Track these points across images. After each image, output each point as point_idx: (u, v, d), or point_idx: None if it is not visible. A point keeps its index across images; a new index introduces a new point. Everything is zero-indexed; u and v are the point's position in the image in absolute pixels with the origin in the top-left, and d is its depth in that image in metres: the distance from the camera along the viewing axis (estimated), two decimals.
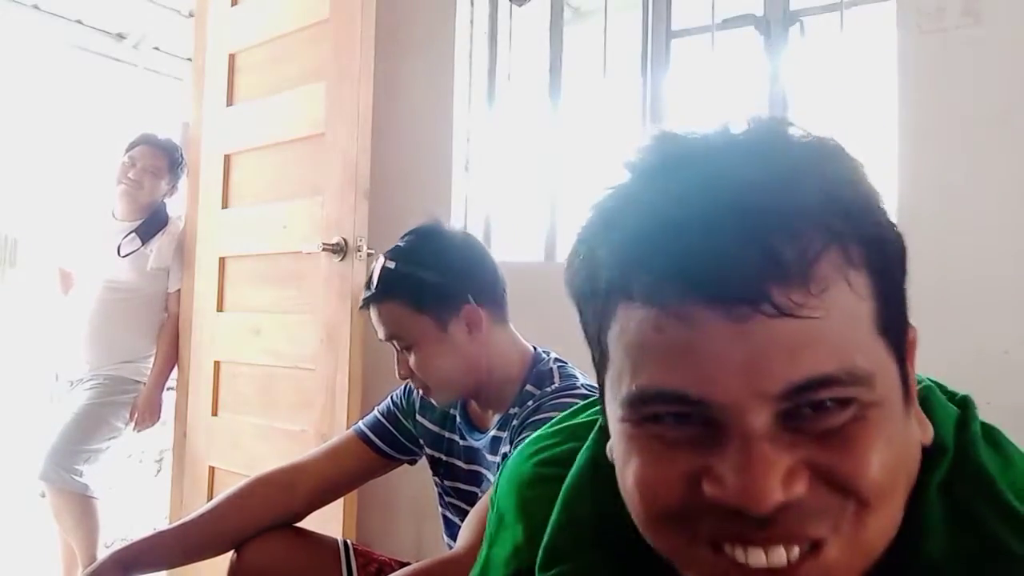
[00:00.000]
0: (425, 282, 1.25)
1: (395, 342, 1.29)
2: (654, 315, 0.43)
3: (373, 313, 1.29)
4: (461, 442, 1.36)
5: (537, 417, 1.18)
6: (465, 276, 1.28)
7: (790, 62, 2.01)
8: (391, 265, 1.26)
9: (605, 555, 0.53)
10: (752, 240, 0.41)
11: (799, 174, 0.43)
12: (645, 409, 0.44)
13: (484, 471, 1.30)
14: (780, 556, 0.42)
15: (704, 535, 0.44)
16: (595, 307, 0.48)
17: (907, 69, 1.74)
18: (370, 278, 1.29)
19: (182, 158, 2.67)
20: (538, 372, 1.29)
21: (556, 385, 1.24)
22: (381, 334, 1.29)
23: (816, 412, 0.42)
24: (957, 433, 0.49)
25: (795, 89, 2.01)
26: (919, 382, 0.51)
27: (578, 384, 1.24)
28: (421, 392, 1.35)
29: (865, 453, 0.42)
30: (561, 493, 0.57)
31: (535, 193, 2.35)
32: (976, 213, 1.65)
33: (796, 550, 0.42)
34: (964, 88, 1.68)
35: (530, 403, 1.22)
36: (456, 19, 2.36)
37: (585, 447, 0.58)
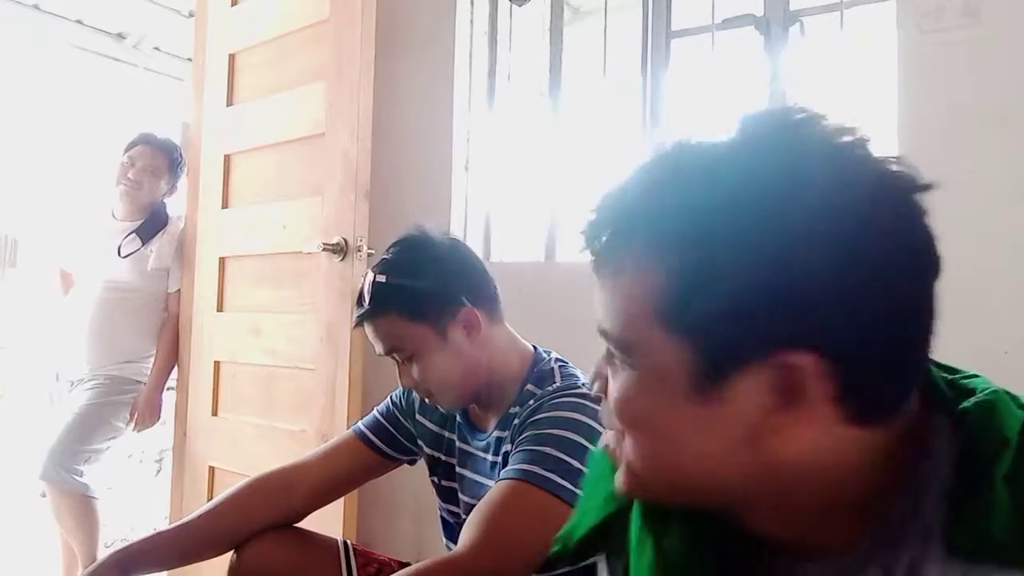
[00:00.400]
0: (419, 291, 1.24)
1: (395, 355, 1.28)
2: None
3: (369, 329, 1.28)
4: (460, 444, 1.35)
5: (539, 416, 1.18)
6: (457, 279, 1.28)
7: (790, 62, 2.01)
8: (382, 279, 1.24)
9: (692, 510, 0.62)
10: (592, 229, 0.57)
11: (654, 186, 0.54)
12: None
13: (482, 473, 1.30)
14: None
15: None
16: None
17: (907, 69, 1.74)
18: (360, 295, 1.27)
19: (181, 157, 2.67)
20: (539, 372, 1.29)
21: (557, 384, 1.24)
22: (380, 349, 1.28)
23: (610, 356, 0.58)
24: (1021, 430, 0.53)
25: (795, 89, 2.01)
26: (982, 390, 0.56)
27: (579, 383, 1.24)
28: (427, 400, 1.34)
29: (616, 391, 0.57)
30: None
31: (535, 193, 2.35)
32: (976, 213, 1.65)
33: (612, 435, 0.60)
34: (964, 88, 1.68)
35: (531, 402, 1.21)
36: (456, 19, 2.36)
37: None
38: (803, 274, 0.48)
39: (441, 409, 1.36)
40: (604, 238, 0.56)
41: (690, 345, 0.51)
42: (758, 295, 0.49)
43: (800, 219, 0.49)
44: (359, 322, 1.29)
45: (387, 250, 1.31)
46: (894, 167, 0.53)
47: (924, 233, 0.54)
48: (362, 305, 1.27)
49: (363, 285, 1.28)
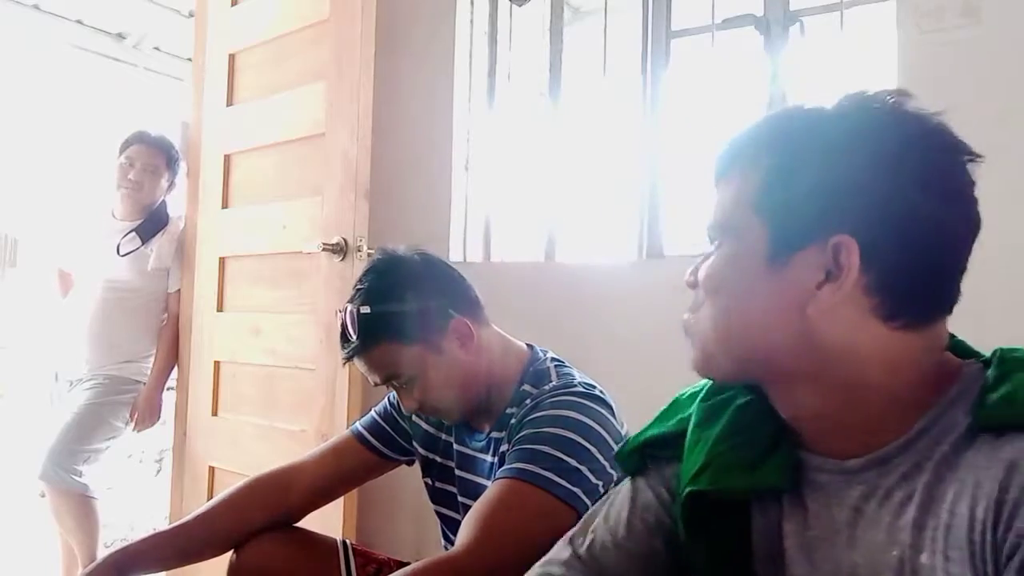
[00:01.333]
0: (406, 313, 1.23)
1: (394, 381, 1.27)
2: None
3: (361, 363, 1.26)
4: (458, 446, 1.35)
5: (535, 415, 1.18)
6: (440, 293, 1.27)
7: (790, 62, 2.01)
8: (366, 310, 1.22)
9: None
10: (721, 154, 0.75)
11: (770, 119, 0.74)
12: None
13: (481, 474, 1.30)
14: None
15: None
16: None
17: (907, 69, 1.74)
18: (344, 331, 1.24)
19: (178, 153, 2.67)
20: (535, 371, 1.28)
21: (553, 383, 1.23)
22: (376, 379, 1.27)
23: (711, 242, 0.76)
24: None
25: (795, 89, 2.01)
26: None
27: (575, 382, 1.24)
28: (435, 418, 1.34)
29: (709, 263, 0.74)
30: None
31: (535, 193, 2.35)
32: None
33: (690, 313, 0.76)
34: (964, 88, 1.68)
35: (527, 402, 1.21)
36: (456, 19, 2.36)
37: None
38: (850, 182, 0.65)
39: (446, 423, 1.35)
40: (725, 158, 0.73)
41: (768, 225, 0.68)
42: (818, 193, 0.66)
43: (856, 142, 0.66)
44: (349, 358, 1.26)
45: (360, 280, 1.27)
46: (948, 131, 0.72)
47: (963, 182, 0.69)
48: (349, 341, 1.24)
49: (344, 320, 1.24)
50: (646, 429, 0.84)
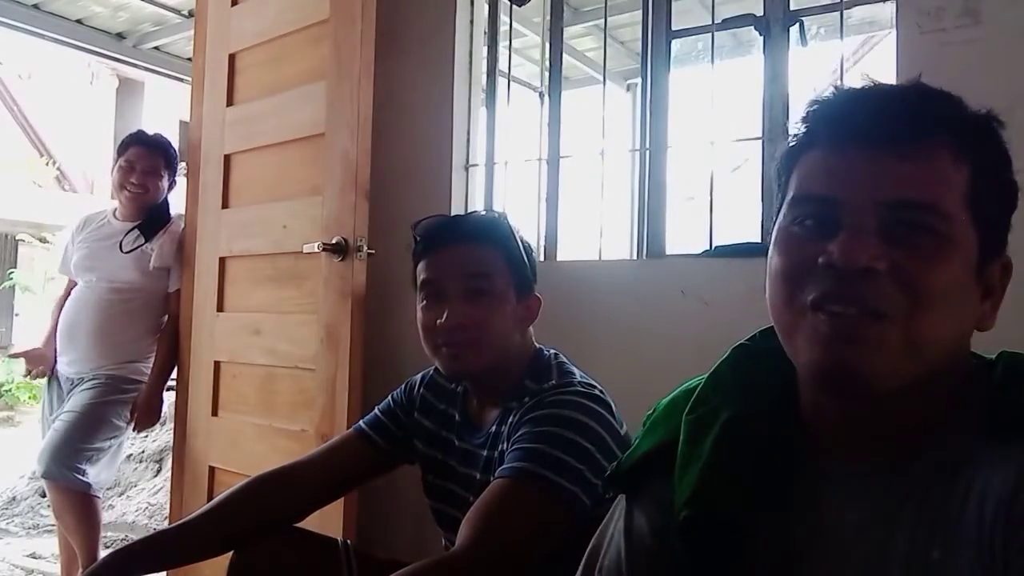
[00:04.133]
0: (521, 247, 1.30)
1: (471, 282, 1.25)
2: (825, 153, 0.67)
3: (463, 250, 1.27)
4: (459, 443, 1.35)
5: (534, 414, 1.18)
6: (536, 269, 1.34)
7: (790, 62, 2.01)
8: (498, 213, 1.30)
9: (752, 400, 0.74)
10: (894, 118, 0.64)
11: (941, 94, 0.68)
12: (797, 210, 0.67)
13: (481, 470, 1.30)
14: (852, 309, 0.62)
15: (809, 299, 0.64)
16: (791, 157, 0.70)
17: (907, 69, 1.74)
18: (458, 217, 1.33)
19: (175, 151, 2.67)
20: (537, 367, 1.29)
21: (554, 381, 1.24)
22: (465, 269, 1.26)
23: (906, 230, 0.63)
24: None
25: (795, 89, 2.01)
26: None
27: (575, 380, 1.24)
28: (452, 352, 1.26)
29: (928, 265, 0.62)
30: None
31: (535, 193, 2.35)
32: None
33: (865, 312, 0.62)
34: (964, 88, 1.67)
35: (527, 399, 1.22)
36: (456, 19, 2.36)
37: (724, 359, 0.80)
38: (1017, 194, 0.68)
39: (453, 368, 1.28)
40: (920, 120, 0.65)
41: (977, 230, 0.64)
42: (1006, 203, 0.67)
43: (1010, 158, 0.68)
44: (455, 238, 1.28)
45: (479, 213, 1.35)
46: None
47: None
48: (466, 222, 1.30)
49: (467, 213, 1.33)
50: (636, 447, 0.81)
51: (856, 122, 0.65)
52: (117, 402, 2.49)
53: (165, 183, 2.63)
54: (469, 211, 1.35)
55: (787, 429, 0.72)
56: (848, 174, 0.64)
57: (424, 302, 1.28)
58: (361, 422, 1.46)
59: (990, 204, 0.65)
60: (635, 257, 2.14)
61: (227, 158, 2.44)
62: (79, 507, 2.40)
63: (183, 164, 2.78)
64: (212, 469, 2.40)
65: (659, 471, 0.76)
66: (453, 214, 1.32)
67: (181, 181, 2.69)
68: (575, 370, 1.29)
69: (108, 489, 3.54)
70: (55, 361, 2.60)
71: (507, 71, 2.48)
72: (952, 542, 0.60)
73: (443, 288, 1.26)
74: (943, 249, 0.63)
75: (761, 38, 2.01)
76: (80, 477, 2.39)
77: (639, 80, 2.22)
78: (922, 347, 0.63)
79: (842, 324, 0.62)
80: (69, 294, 2.65)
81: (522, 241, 1.32)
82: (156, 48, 5.10)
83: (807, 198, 0.67)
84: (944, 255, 0.63)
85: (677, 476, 0.74)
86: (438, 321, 1.24)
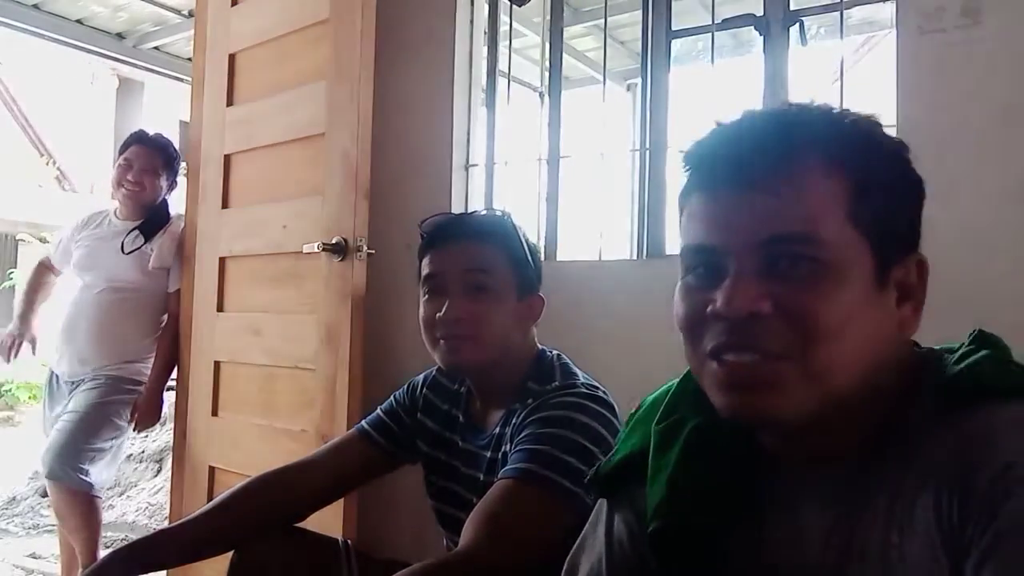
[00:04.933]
0: (524, 246, 1.31)
1: (472, 277, 1.26)
2: (703, 198, 0.66)
3: (465, 245, 1.28)
4: (462, 444, 1.35)
5: (538, 415, 1.18)
6: (540, 270, 1.35)
7: (790, 62, 2.01)
8: (503, 211, 1.31)
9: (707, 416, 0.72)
10: (759, 153, 0.63)
11: (805, 117, 0.66)
12: (687, 260, 0.67)
13: (484, 471, 1.30)
14: (746, 357, 0.63)
15: (708, 349, 0.65)
16: (680, 202, 0.70)
17: (907, 69, 1.74)
18: (464, 216, 1.33)
19: (176, 153, 2.67)
20: (540, 369, 1.29)
21: (557, 383, 1.24)
22: (467, 264, 1.26)
23: (789, 264, 0.62)
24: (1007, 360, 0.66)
25: (795, 89, 2.01)
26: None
27: (579, 382, 1.24)
28: (450, 344, 1.26)
29: (813, 296, 0.61)
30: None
31: (535, 193, 2.35)
32: (976, 213, 1.65)
33: (759, 357, 0.62)
34: (964, 88, 1.68)
35: (530, 401, 1.22)
36: (456, 19, 2.36)
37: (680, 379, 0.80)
38: (917, 194, 0.66)
39: (451, 360, 1.28)
40: (775, 154, 0.63)
41: (868, 241, 0.63)
42: (899, 204, 0.65)
43: (900, 152, 0.67)
44: (459, 233, 1.29)
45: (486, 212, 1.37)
46: None
47: None
48: (470, 219, 1.31)
49: (472, 212, 1.35)
50: (614, 452, 0.81)
51: (724, 164, 0.65)
52: (119, 402, 2.49)
53: (163, 183, 2.63)
54: (475, 210, 1.36)
55: (753, 436, 0.72)
56: (725, 219, 0.64)
57: (426, 296, 1.30)
58: (363, 422, 1.46)
59: (880, 211, 0.63)
60: (635, 257, 2.14)
61: (227, 158, 2.44)
62: (81, 507, 2.40)
63: (184, 164, 2.78)
64: (212, 469, 2.40)
65: (636, 477, 0.76)
66: (459, 212, 1.33)
67: (181, 181, 2.69)
68: (578, 371, 1.29)
69: (108, 489, 3.54)
70: (33, 337, 2.63)
71: (507, 71, 2.48)
72: (908, 524, 0.60)
73: (444, 282, 1.27)
74: (826, 276, 0.61)
75: (761, 38, 2.02)
76: (83, 477, 2.39)
77: (639, 80, 2.22)
78: (825, 377, 0.62)
79: (740, 372, 0.63)
80: (41, 280, 2.66)
81: (527, 241, 1.33)
82: (156, 48, 5.10)
83: (692, 249, 0.67)
84: (828, 282, 0.61)
85: (648, 485, 0.74)
86: (438, 315, 1.25)
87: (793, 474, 0.69)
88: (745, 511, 0.70)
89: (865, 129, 0.66)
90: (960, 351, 0.66)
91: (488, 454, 1.29)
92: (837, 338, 0.61)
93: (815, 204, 0.62)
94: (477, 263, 1.27)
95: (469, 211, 1.34)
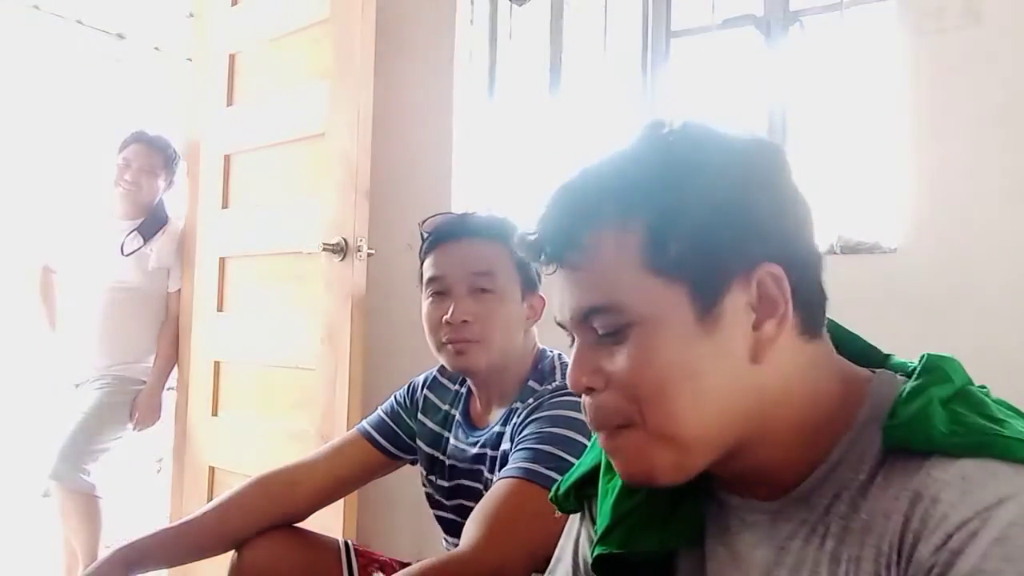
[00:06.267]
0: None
1: (477, 279, 1.25)
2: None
3: (471, 244, 1.27)
4: (461, 443, 1.35)
5: (539, 415, 1.19)
6: (539, 271, 1.32)
7: (790, 62, 2.01)
8: (502, 214, 1.31)
9: None
10: (556, 230, 0.63)
11: (602, 170, 0.63)
12: None
13: (482, 472, 1.30)
14: (603, 430, 0.63)
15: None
16: None
17: (907, 69, 1.74)
18: (473, 214, 1.33)
19: (175, 152, 2.67)
20: (541, 368, 1.30)
21: (557, 383, 1.25)
22: (473, 267, 1.26)
23: (605, 335, 0.61)
24: (962, 387, 0.62)
25: (795, 89, 2.01)
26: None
27: None
28: (456, 348, 1.26)
29: (628, 361, 0.60)
30: None
31: (535, 193, 2.35)
32: (976, 213, 1.65)
33: (606, 433, 0.62)
34: (964, 88, 1.68)
35: (531, 400, 1.22)
36: (456, 19, 2.36)
37: None
38: (754, 206, 0.60)
39: (458, 363, 1.28)
40: (566, 230, 0.62)
41: (681, 282, 0.59)
42: (721, 225, 0.59)
43: (733, 166, 0.61)
44: (463, 232, 1.28)
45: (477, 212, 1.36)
46: (763, 146, 0.65)
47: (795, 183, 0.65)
48: (473, 220, 1.30)
49: (473, 212, 1.34)
50: (575, 468, 0.79)
51: (541, 245, 0.64)
52: (123, 402, 2.50)
53: (161, 182, 2.63)
54: (473, 211, 1.35)
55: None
56: (557, 293, 0.65)
57: (430, 298, 1.29)
58: (364, 423, 1.46)
59: (691, 246, 0.59)
60: None
61: (227, 158, 2.44)
62: (83, 508, 2.41)
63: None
64: (212, 469, 2.40)
65: (596, 492, 0.75)
66: (460, 212, 1.32)
67: (182, 182, 2.69)
68: None
69: (110, 489, 3.53)
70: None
71: (507, 70, 2.48)
72: (855, 571, 0.58)
73: (448, 285, 1.26)
74: (636, 339, 0.59)
75: (761, 38, 2.02)
76: (86, 478, 2.40)
77: (639, 80, 2.22)
78: (677, 435, 0.60)
79: (607, 443, 0.63)
80: (49, 286, 2.64)
81: None
82: (156, 48, 5.10)
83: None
84: (641, 341, 0.59)
85: (598, 504, 0.72)
86: (443, 318, 1.25)
87: (733, 504, 0.67)
88: (689, 539, 0.68)
89: (669, 158, 0.61)
90: (909, 388, 0.60)
91: (488, 452, 1.29)
92: (671, 393, 0.59)
93: (606, 268, 0.60)
94: (481, 265, 1.26)
95: (470, 211, 1.33)
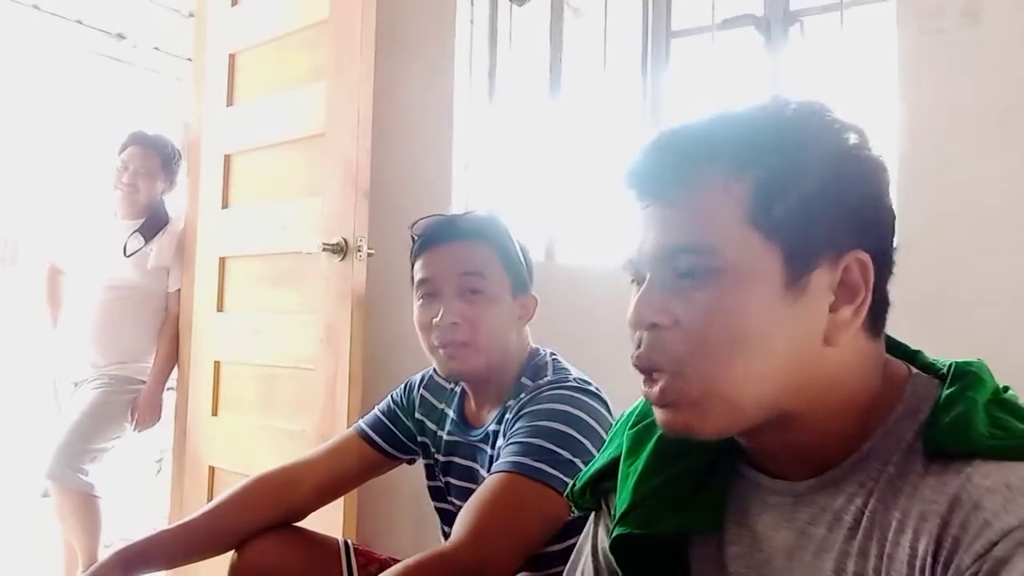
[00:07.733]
0: (516, 246, 1.31)
1: (467, 281, 1.25)
2: (631, 217, 0.66)
3: (460, 246, 1.26)
4: (459, 441, 1.36)
5: (530, 409, 1.19)
6: (530, 268, 1.34)
7: (790, 62, 2.01)
8: (494, 212, 1.31)
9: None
10: (664, 167, 0.63)
11: (714, 125, 0.64)
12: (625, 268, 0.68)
13: (477, 467, 1.30)
14: (652, 372, 0.62)
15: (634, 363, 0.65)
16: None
17: (907, 69, 1.74)
18: (463, 215, 1.32)
19: (175, 152, 2.66)
20: (534, 365, 1.30)
21: (549, 378, 1.25)
22: (462, 268, 1.25)
23: (685, 275, 0.61)
24: (996, 391, 0.63)
25: (795, 89, 2.01)
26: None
27: (570, 377, 1.25)
28: (448, 352, 1.26)
29: (706, 305, 0.60)
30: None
31: (535, 193, 2.35)
32: (976, 213, 1.65)
33: (656, 376, 0.62)
34: (964, 88, 1.68)
35: (523, 396, 1.23)
36: (456, 19, 2.36)
37: None
38: (857, 192, 0.62)
39: (450, 368, 1.28)
40: (675, 166, 0.62)
41: (777, 244, 0.60)
42: (826, 202, 0.60)
43: (845, 149, 0.62)
44: (451, 236, 1.26)
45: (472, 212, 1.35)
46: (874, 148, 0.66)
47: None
48: (463, 221, 1.28)
49: (463, 213, 1.33)
50: (592, 464, 0.80)
51: (641, 179, 0.65)
52: (122, 402, 2.50)
53: (159, 184, 2.63)
54: (465, 211, 1.35)
55: (724, 442, 0.68)
56: (639, 232, 0.64)
57: (420, 301, 1.28)
58: (361, 422, 1.46)
59: (795, 212, 0.60)
60: None
61: (227, 158, 2.44)
62: (82, 508, 2.41)
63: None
64: (212, 469, 2.40)
65: (611, 489, 0.75)
66: (449, 213, 1.32)
67: (183, 182, 2.69)
68: (570, 367, 1.30)
69: (108, 489, 3.53)
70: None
71: (507, 71, 2.48)
72: (884, 573, 0.58)
73: (439, 287, 1.26)
74: (721, 286, 0.59)
75: (761, 38, 2.01)
76: (84, 478, 2.40)
77: (639, 80, 2.22)
78: (726, 391, 0.60)
79: (653, 388, 0.63)
80: (56, 286, 2.65)
81: (518, 240, 1.33)
82: (156, 48, 5.10)
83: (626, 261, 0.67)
84: (722, 291, 0.59)
85: (618, 490, 0.73)
86: (434, 320, 1.24)
87: (759, 484, 0.67)
88: (710, 520, 0.68)
89: (790, 126, 0.62)
90: (947, 393, 0.61)
91: (486, 449, 1.29)
92: (736, 347, 0.59)
93: (709, 211, 0.60)
94: (471, 266, 1.26)
95: (460, 212, 1.33)
